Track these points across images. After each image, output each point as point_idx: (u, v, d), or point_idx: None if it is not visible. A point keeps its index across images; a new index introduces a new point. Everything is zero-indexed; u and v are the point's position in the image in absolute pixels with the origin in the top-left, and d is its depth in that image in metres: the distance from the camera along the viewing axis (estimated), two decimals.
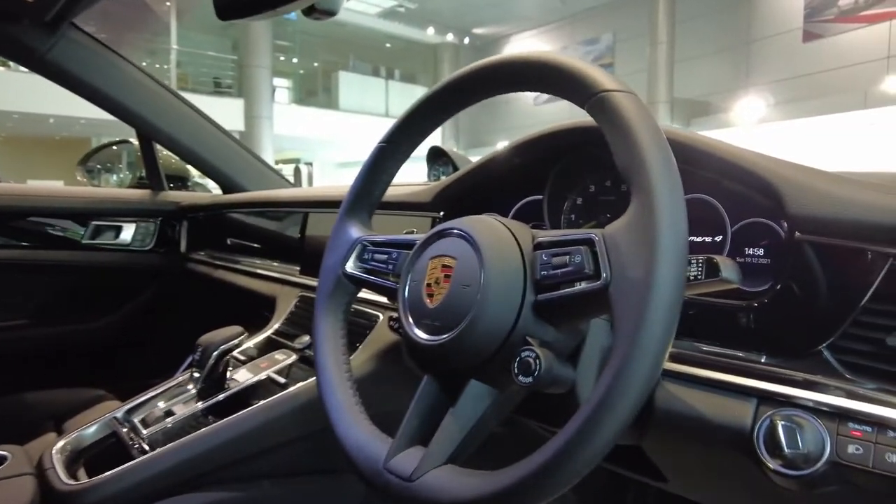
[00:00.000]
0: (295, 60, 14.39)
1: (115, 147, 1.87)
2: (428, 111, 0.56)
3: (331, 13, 0.63)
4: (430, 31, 14.41)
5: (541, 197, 0.69)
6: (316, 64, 15.01)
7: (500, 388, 0.45)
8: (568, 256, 0.41)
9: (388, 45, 15.04)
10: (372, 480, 0.46)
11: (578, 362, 0.45)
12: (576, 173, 0.66)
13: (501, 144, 0.71)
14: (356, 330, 0.77)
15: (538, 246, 0.45)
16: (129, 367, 1.48)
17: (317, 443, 0.75)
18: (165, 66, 11.86)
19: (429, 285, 0.48)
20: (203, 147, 1.46)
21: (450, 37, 14.62)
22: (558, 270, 0.42)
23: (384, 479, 0.44)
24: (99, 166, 1.93)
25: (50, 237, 1.42)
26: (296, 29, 13.44)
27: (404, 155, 0.58)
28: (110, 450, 0.73)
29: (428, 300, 0.47)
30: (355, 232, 0.59)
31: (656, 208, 0.36)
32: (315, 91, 14.63)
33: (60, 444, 0.75)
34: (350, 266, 0.58)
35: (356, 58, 14.59)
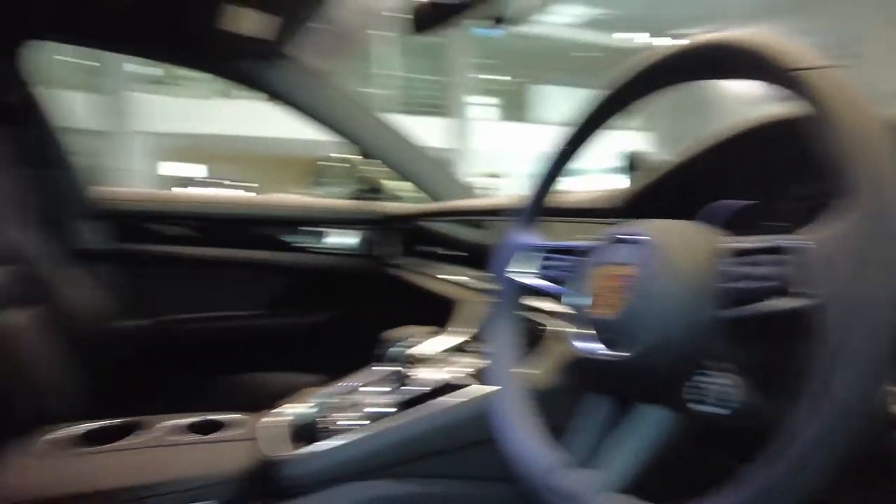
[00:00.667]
0: (494, 77, 14.96)
1: (337, 164, 2.14)
2: (598, 114, 0.53)
3: (517, 21, 0.63)
4: (627, 35, 13.88)
5: (733, 199, 0.60)
6: (514, 79, 15.42)
7: (680, 413, 0.40)
8: (768, 267, 0.35)
9: (584, 53, 14.86)
10: (544, 496, 0.44)
11: (767, 389, 0.38)
12: (773, 172, 0.57)
13: None
14: (527, 339, 0.76)
15: (732, 254, 0.39)
16: (336, 357, 1.66)
17: (492, 450, 0.75)
18: (384, 91, 13.18)
19: (603, 295, 0.45)
20: (407, 161, 1.60)
21: (646, 39, 13.93)
22: (757, 283, 0.36)
23: (557, 495, 0.43)
24: (326, 179, 2.22)
25: (276, 241, 1.66)
26: (499, 47, 13.96)
27: (576, 157, 0.56)
28: (308, 430, 0.82)
29: (602, 311, 0.44)
30: (528, 237, 0.58)
31: (885, 215, 0.29)
32: (512, 106, 15.04)
33: (276, 418, 0.86)
34: (522, 272, 0.57)
35: (552, 69, 14.68)
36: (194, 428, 0.84)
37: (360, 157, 1.73)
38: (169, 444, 0.78)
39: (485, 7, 0.96)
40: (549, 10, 12.35)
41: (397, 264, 1.60)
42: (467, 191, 1.66)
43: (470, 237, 1.38)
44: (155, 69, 10.95)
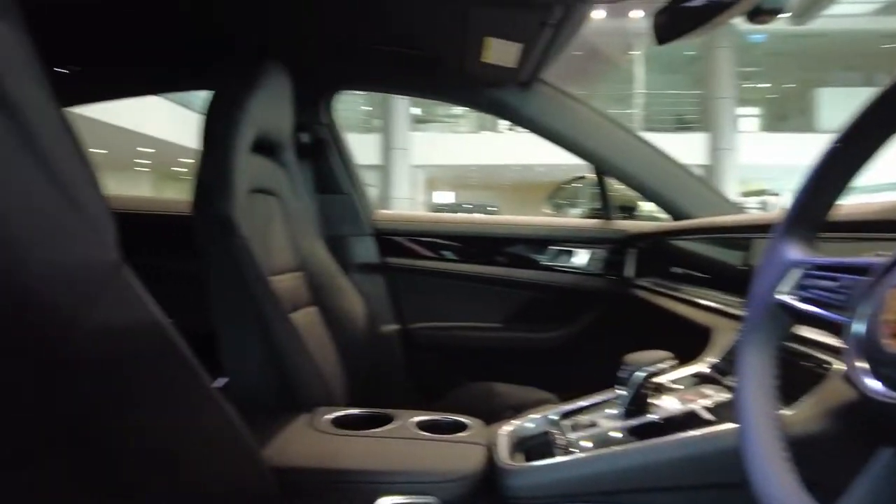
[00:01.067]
0: (763, 85, 13.31)
1: (575, 184, 2.14)
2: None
3: (776, 12, 0.56)
4: None
5: None
6: (788, 85, 13.50)
7: None
8: None
9: (885, 45, 12.26)
10: None
11: None
12: None
13: None
14: (799, 376, 0.64)
15: None
16: (574, 376, 1.64)
17: (736, 496, 0.66)
18: (631, 111, 12.81)
19: (893, 322, 0.36)
20: (652, 177, 1.52)
21: None
22: None
23: None
24: (563, 201, 2.24)
25: (521, 258, 1.72)
26: (763, 52, 12.44)
27: (864, 160, 0.46)
28: (540, 444, 0.83)
29: (891, 342, 0.36)
30: (794, 253, 0.49)
31: None
32: (786, 115, 13.17)
33: (509, 428, 0.89)
34: (785, 294, 0.49)
35: (841, 68, 12.43)
36: (436, 426, 0.91)
37: (600, 176, 1.71)
38: (411, 438, 0.86)
39: (736, 8, 0.86)
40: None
41: (642, 285, 1.53)
42: (731, 208, 1.51)
43: (723, 257, 1.24)
44: (416, 109, 12.47)
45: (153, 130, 9.78)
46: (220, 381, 1.12)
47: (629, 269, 1.62)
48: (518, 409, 1.30)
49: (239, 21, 1.21)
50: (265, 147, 1.28)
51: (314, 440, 0.87)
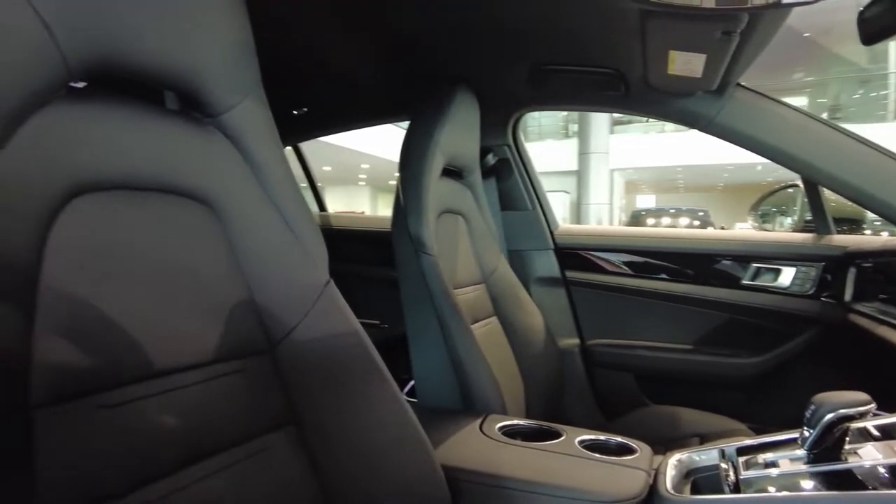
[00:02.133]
0: None
1: (787, 190, 1.91)
2: None
3: None
4: None
5: None
6: None
7: None
8: None
9: None
10: None
11: None
12: None
13: None
14: None
15: None
16: (771, 408, 1.49)
17: None
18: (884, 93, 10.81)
19: None
20: (877, 186, 1.30)
21: None
22: None
23: None
24: (773, 209, 2.01)
25: (715, 275, 1.61)
26: None
27: None
28: (711, 478, 0.79)
29: None
30: None
31: None
32: None
33: (679, 457, 0.86)
34: None
35: None
36: (602, 447, 0.92)
37: (811, 185, 1.51)
38: (574, 455, 0.89)
39: None
40: None
41: (862, 311, 1.32)
42: None
43: None
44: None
45: (370, 149, 11.00)
46: (421, 386, 1.27)
47: (848, 292, 1.41)
48: (704, 438, 1.23)
49: (433, 53, 1.35)
50: (454, 171, 1.40)
51: (481, 445, 0.94)
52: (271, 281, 0.68)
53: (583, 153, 12.17)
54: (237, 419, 0.61)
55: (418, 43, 1.31)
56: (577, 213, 12.18)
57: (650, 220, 11.20)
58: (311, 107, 1.78)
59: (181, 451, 0.54)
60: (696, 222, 11.18)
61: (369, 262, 1.95)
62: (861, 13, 0.88)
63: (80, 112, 0.52)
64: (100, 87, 0.55)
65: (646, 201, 14.59)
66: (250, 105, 0.67)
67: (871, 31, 0.87)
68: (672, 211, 11.63)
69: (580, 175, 12.23)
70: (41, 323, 0.46)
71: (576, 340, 1.71)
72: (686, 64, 1.20)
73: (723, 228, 11.01)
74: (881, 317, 1.22)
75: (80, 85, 0.53)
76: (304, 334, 0.69)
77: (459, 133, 1.33)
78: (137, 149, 0.56)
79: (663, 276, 1.67)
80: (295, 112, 1.80)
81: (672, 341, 1.64)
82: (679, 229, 2.11)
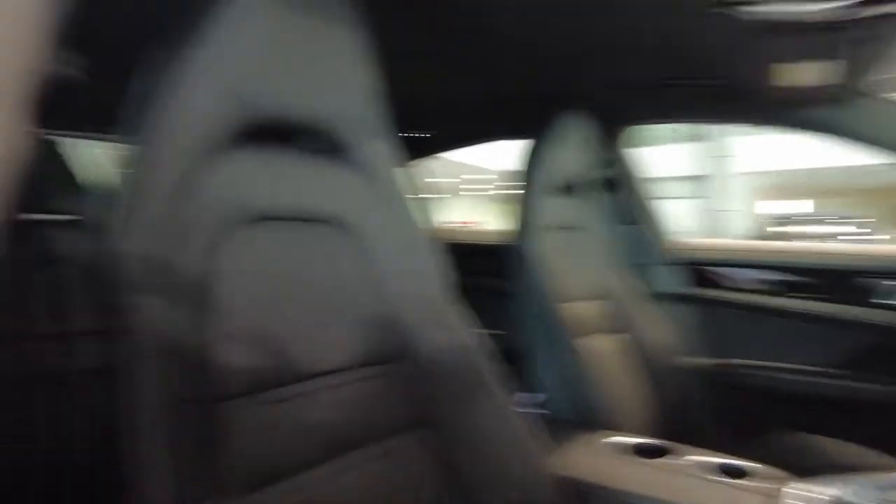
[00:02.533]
0: None
1: None
2: None
3: None
4: None
5: None
6: None
7: None
8: None
9: None
10: None
11: None
12: None
13: None
14: None
15: None
16: None
17: None
18: None
19: None
20: None
21: None
22: None
23: None
24: None
25: (854, 293, 1.49)
26: None
27: None
28: None
29: None
30: None
31: None
32: None
33: (808, 488, 0.82)
34: None
35: None
36: (726, 469, 0.90)
37: None
38: (695, 476, 0.88)
39: None
40: None
41: None
42: None
43: None
44: None
45: (479, 161, 11.13)
46: (539, 397, 1.31)
47: None
48: (839, 469, 1.15)
49: (549, 74, 1.40)
50: (571, 187, 1.43)
51: (599, 459, 0.96)
52: (404, 295, 0.77)
53: (709, 157, 11.41)
54: (374, 419, 0.70)
55: (535, 65, 1.36)
56: (704, 220, 11.42)
57: (779, 229, 10.07)
58: (432, 129, 1.90)
59: (331, 443, 0.64)
60: (850, 229, 9.84)
61: (486, 274, 2.02)
62: None
63: (240, 158, 0.65)
64: (259, 133, 0.68)
65: (782, 207, 13.36)
66: (377, 141, 0.78)
67: None
68: (813, 217, 10.47)
69: (706, 180, 11.47)
70: (220, 329, 0.57)
71: (699, 359, 1.65)
72: (808, 74, 1.15)
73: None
74: None
75: (246, 133, 0.66)
76: (433, 344, 0.77)
77: (574, 149, 1.36)
78: (284, 185, 0.69)
79: (796, 293, 1.56)
80: (417, 135, 1.93)
81: (805, 363, 1.53)
82: (813, 243, 1.93)
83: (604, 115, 1.50)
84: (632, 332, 1.42)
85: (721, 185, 11.57)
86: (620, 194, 1.72)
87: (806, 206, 13.37)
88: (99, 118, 1.51)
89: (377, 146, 0.78)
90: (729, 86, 1.30)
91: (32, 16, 0.35)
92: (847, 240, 8.47)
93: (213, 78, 0.60)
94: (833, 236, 9.56)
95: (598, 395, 1.17)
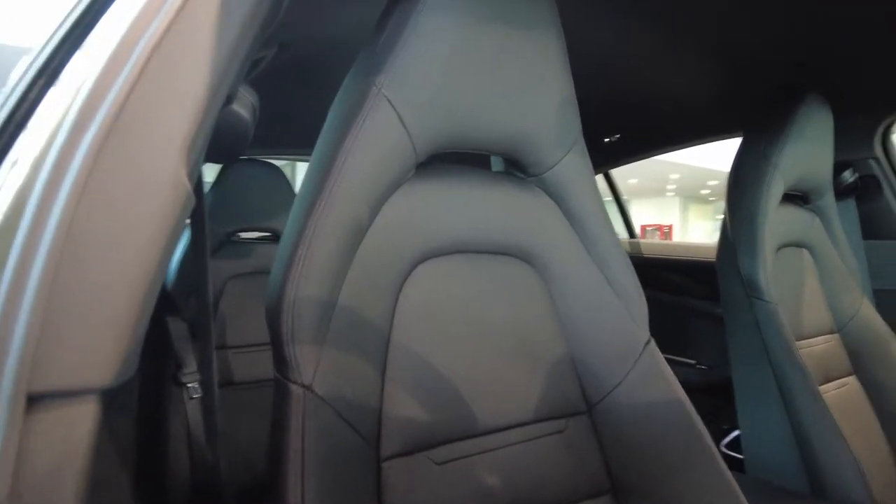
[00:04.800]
0: None
1: None
2: None
3: None
4: None
5: None
6: None
7: None
8: None
9: None
10: None
11: None
12: None
13: None
14: None
15: None
16: None
17: None
18: None
19: None
20: None
21: None
22: None
23: None
24: None
25: None
26: None
27: None
28: None
29: None
30: None
31: None
32: None
33: None
34: None
35: None
36: None
37: None
38: None
39: None
40: None
41: None
42: None
43: None
44: None
45: (679, 157, 10.26)
46: (733, 434, 1.10)
47: None
48: None
49: (776, 61, 1.14)
50: (799, 195, 1.18)
51: None
52: (591, 338, 0.66)
53: None
54: (555, 482, 0.60)
55: (758, 52, 1.12)
56: None
57: None
58: (624, 132, 1.72)
59: None
60: None
61: (687, 294, 1.79)
62: None
63: (423, 187, 0.58)
64: (437, 161, 0.61)
65: None
66: (571, 159, 0.67)
67: None
68: None
69: None
70: (390, 379, 0.52)
71: None
72: None
73: None
74: None
75: (422, 164, 0.60)
76: (624, 395, 0.65)
77: (805, 150, 1.11)
78: (468, 215, 0.61)
79: None
80: (607, 140, 1.76)
81: None
82: None
83: (851, 105, 1.20)
84: (874, 376, 1.13)
85: None
86: (871, 201, 1.38)
87: None
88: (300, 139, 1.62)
89: (573, 162, 0.67)
90: None
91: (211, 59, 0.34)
92: None
93: (396, 104, 0.54)
94: None
95: (834, 459, 0.93)
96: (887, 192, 1.35)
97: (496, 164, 0.74)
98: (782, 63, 1.15)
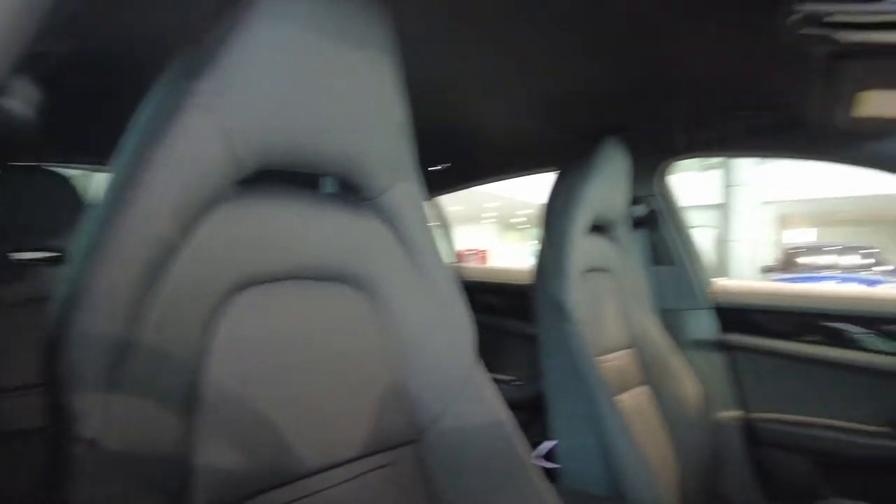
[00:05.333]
0: None
1: None
2: None
3: None
4: None
5: None
6: None
7: None
8: None
9: None
10: None
11: None
12: None
13: None
14: None
15: None
16: None
17: None
18: None
19: None
20: None
21: None
22: None
23: None
24: None
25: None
26: None
27: None
28: None
29: None
30: None
31: None
32: None
33: None
34: None
35: None
36: None
37: None
38: None
39: None
40: None
41: None
42: None
43: None
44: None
45: (496, 188, 11.10)
46: (547, 445, 1.18)
47: None
48: None
49: (586, 107, 1.30)
50: (602, 226, 1.32)
51: None
52: (421, 366, 0.65)
53: (728, 185, 11.27)
54: None
55: (572, 98, 1.26)
56: (720, 249, 11.25)
57: (804, 259, 9.95)
58: (454, 161, 1.80)
59: None
60: (866, 262, 9.73)
61: (504, 315, 1.90)
62: None
63: (246, 207, 0.53)
64: (262, 179, 0.57)
65: (801, 236, 13.13)
66: (405, 185, 0.66)
67: None
68: (833, 248, 10.26)
69: (725, 209, 11.31)
70: (200, 425, 0.45)
71: (738, 413, 1.50)
72: (882, 104, 1.04)
73: None
74: None
75: (245, 181, 0.55)
76: (451, 421, 0.65)
77: (608, 186, 1.25)
78: (297, 239, 0.57)
79: (844, 342, 1.42)
80: (438, 168, 1.83)
81: (860, 421, 1.38)
82: (867, 288, 1.78)
83: (643, 148, 1.39)
84: (659, 384, 1.30)
85: (742, 213, 11.41)
86: (658, 232, 1.60)
87: (818, 235, 13.14)
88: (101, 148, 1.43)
89: (407, 189, 0.67)
90: (789, 116, 1.19)
91: None
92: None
93: (217, 113, 0.48)
94: (857, 267, 9.38)
95: (632, 466, 1.04)
96: (664, 224, 1.58)
97: (328, 185, 0.71)
98: (590, 112, 1.31)
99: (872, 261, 9.69)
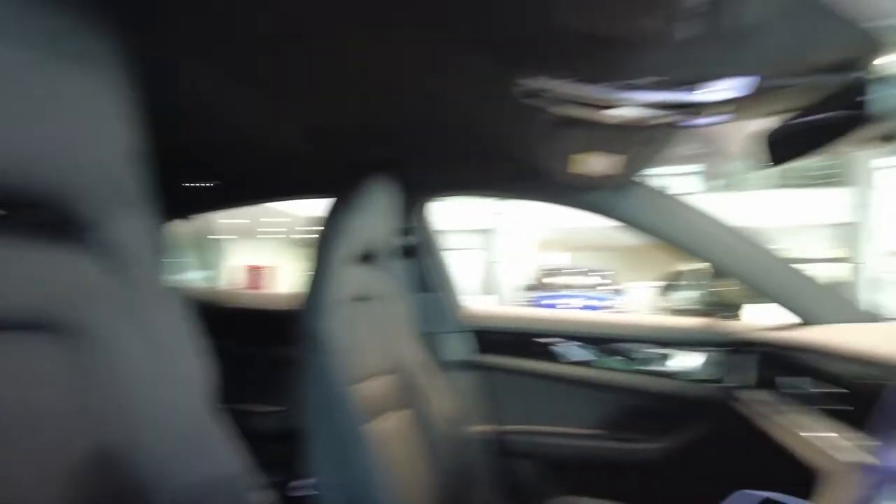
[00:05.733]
0: None
1: (692, 271, 2.03)
2: None
3: None
4: None
5: None
6: None
7: None
8: None
9: None
10: None
11: None
12: None
13: None
14: None
15: None
16: (676, 494, 1.51)
17: None
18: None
19: None
20: (770, 277, 1.41)
21: None
22: None
23: None
24: (679, 287, 2.12)
25: (623, 360, 1.65)
26: None
27: None
28: None
29: None
30: None
31: None
32: None
33: None
34: None
35: None
36: None
37: (713, 272, 1.61)
38: None
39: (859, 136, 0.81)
40: None
41: (748, 400, 1.38)
42: (861, 315, 1.34)
43: (853, 374, 1.07)
44: None
45: (279, 204, 10.76)
46: (303, 482, 1.16)
47: (734, 379, 1.48)
48: None
49: (351, 138, 1.34)
50: (370, 255, 1.36)
51: None
52: (150, 417, 0.59)
53: (496, 213, 12.62)
54: None
55: (345, 129, 1.29)
56: (488, 271, 12.52)
57: (549, 279, 11.75)
58: (226, 179, 1.70)
59: None
60: (604, 282, 11.78)
61: (273, 343, 1.84)
62: (768, 137, 0.97)
63: None
64: None
65: (554, 259, 15.18)
66: (130, 218, 0.60)
67: (778, 154, 0.95)
68: (580, 270, 12.17)
69: (492, 233, 12.64)
70: None
71: (489, 427, 1.67)
72: (593, 164, 1.27)
73: (624, 288, 11.70)
74: (764, 408, 1.27)
75: None
76: (185, 479, 0.60)
77: (377, 217, 1.30)
78: None
79: (575, 359, 1.68)
80: (208, 184, 1.71)
81: (582, 426, 1.64)
82: (591, 313, 2.17)
83: (411, 183, 1.47)
84: (418, 406, 1.38)
85: (504, 238, 12.83)
86: (418, 261, 1.71)
87: (572, 258, 15.40)
88: None
89: (131, 223, 0.60)
90: (528, 167, 1.37)
91: None
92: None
93: None
94: (592, 287, 11.42)
95: (376, 480, 1.08)
96: (428, 255, 1.71)
97: (37, 219, 0.61)
98: (362, 144, 1.36)
99: (609, 281, 11.84)
